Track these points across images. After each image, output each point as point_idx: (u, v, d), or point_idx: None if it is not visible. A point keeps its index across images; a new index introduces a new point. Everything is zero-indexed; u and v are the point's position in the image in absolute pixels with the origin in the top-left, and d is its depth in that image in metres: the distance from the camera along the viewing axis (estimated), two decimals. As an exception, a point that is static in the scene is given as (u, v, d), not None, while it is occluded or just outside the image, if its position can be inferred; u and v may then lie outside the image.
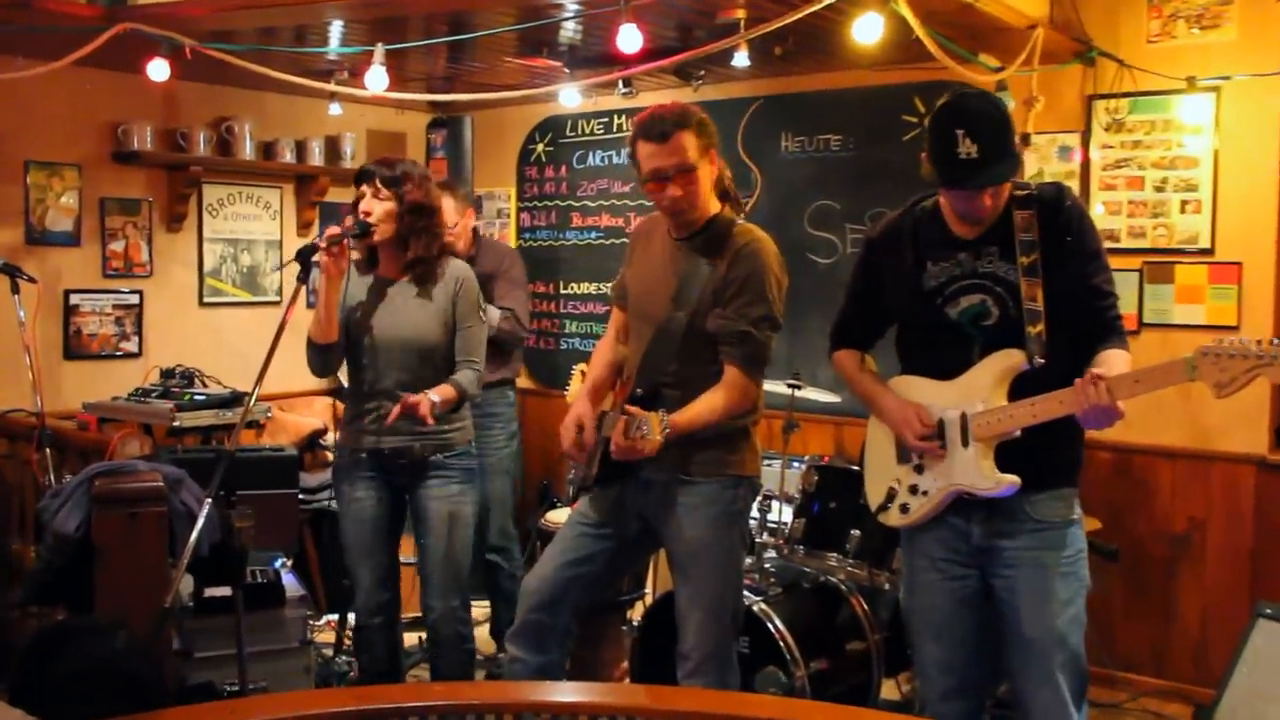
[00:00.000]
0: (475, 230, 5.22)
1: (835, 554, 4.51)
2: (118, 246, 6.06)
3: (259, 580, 4.40)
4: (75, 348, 5.91)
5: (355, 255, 4.01)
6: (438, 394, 3.79)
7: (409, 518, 4.11)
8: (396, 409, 3.71)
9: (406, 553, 4.29)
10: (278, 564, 4.60)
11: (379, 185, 3.89)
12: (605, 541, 3.48)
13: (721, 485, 3.37)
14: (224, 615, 4.04)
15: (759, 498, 4.39)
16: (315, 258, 3.73)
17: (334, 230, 3.82)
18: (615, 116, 6.77)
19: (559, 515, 5.04)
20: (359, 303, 3.97)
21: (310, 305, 6.60)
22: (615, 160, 6.80)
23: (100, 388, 5.76)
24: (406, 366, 3.91)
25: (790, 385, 4.96)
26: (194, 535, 3.22)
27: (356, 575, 4.08)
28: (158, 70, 4.89)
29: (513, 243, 7.20)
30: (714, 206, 3.40)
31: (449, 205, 4.94)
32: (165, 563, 3.57)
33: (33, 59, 4.93)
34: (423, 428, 3.87)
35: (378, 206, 3.88)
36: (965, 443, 2.98)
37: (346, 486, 4.06)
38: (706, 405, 3.25)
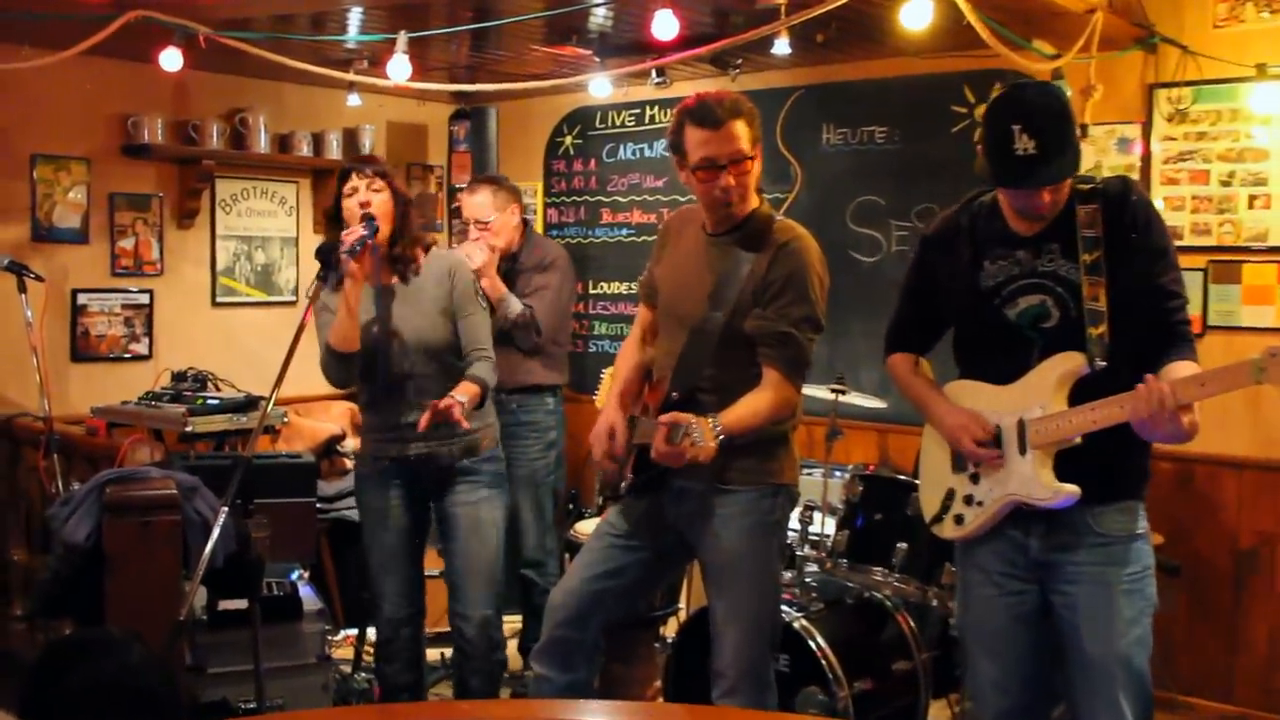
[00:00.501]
0: (527, 223, 5.23)
1: (881, 568, 4.49)
2: (127, 244, 6.11)
3: (275, 593, 4.42)
4: (83, 349, 5.96)
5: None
6: (463, 394, 3.79)
7: (433, 528, 4.14)
8: (427, 416, 3.69)
9: (430, 566, 4.31)
10: (294, 576, 4.62)
11: (373, 176, 3.91)
12: (635, 553, 3.48)
13: (759, 494, 3.37)
14: (239, 629, 4.06)
15: (799, 508, 4.40)
16: (340, 261, 3.75)
17: (354, 233, 3.80)
18: (648, 108, 6.78)
19: (588, 526, 5.04)
20: (366, 316, 3.95)
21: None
22: (647, 154, 6.81)
23: (109, 391, 5.80)
24: (419, 368, 3.94)
25: (833, 390, 4.96)
26: (210, 545, 3.24)
27: (381, 588, 4.10)
28: (170, 60, 4.92)
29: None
30: (754, 201, 3.40)
31: (485, 200, 4.95)
32: (179, 574, 3.60)
33: (40, 48, 4.96)
34: (449, 432, 3.89)
35: (376, 198, 3.90)
36: (1022, 450, 2.97)
37: (371, 496, 4.09)
38: (750, 408, 3.23)
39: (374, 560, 4.11)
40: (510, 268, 5.02)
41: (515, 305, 4.88)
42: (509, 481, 4.31)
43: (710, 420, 3.06)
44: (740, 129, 3.26)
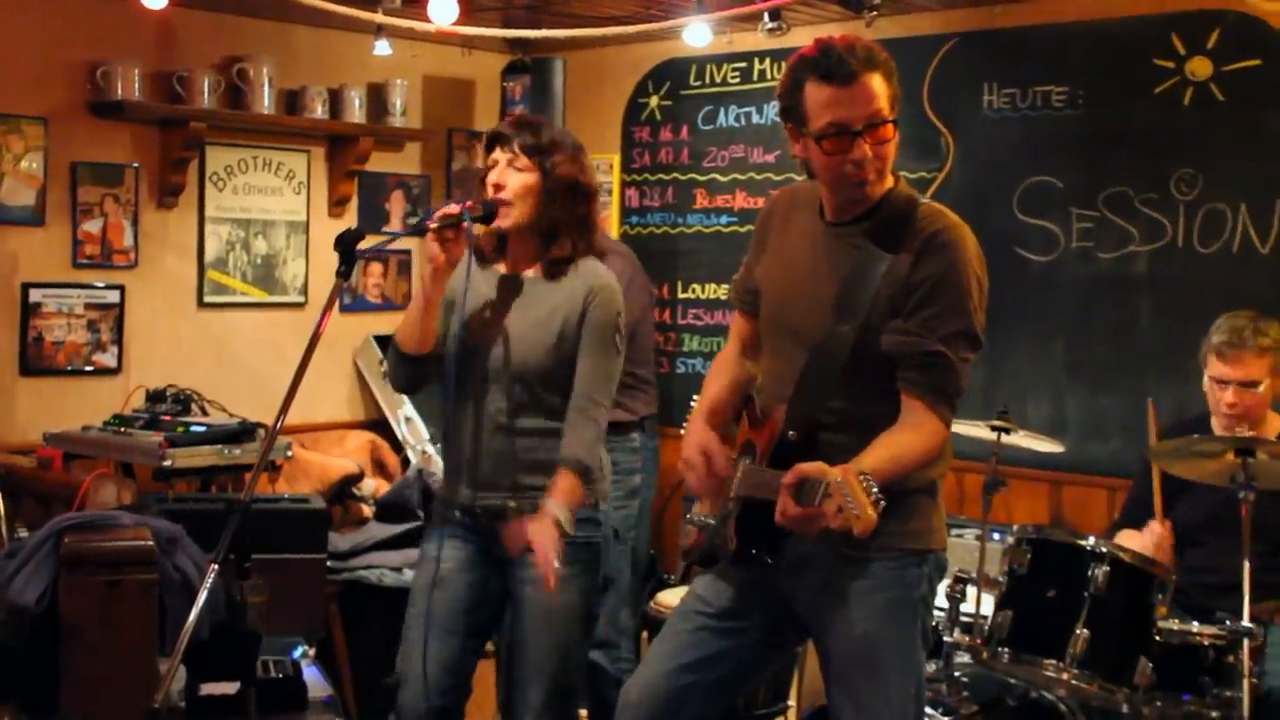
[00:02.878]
0: None
1: (1053, 660, 4.43)
2: (93, 227, 6.19)
3: (274, 675, 4.44)
4: (35, 360, 6.03)
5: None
6: (560, 499, 3.77)
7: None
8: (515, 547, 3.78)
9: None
10: (298, 653, 4.65)
11: (517, 151, 3.90)
12: (733, 637, 3.47)
13: (899, 563, 3.34)
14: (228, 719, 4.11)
15: (946, 580, 4.36)
16: (426, 239, 3.74)
17: (450, 209, 3.78)
18: (757, 61, 6.79)
19: (670, 597, 5.03)
20: (472, 306, 3.94)
21: (346, 309, 6.69)
22: (755, 120, 6.81)
23: (67, 414, 5.87)
24: (508, 394, 3.90)
25: (994, 428, 4.92)
26: (194, 613, 3.26)
27: (406, 664, 3.96)
28: (152, -6, 4.99)
29: (614, 230, 7.25)
30: (890, 180, 3.37)
31: None
32: (153, 648, 3.63)
33: (-11, -21, 5.06)
34: (528, 478, 3.88)
35: (514, 179, 3.89)
36: None
37: (429, 544, 4.03)
38: (891, 451, 3.18)
39: (408, 624, 4.01)
40: None
41: None
42: None
43: (861, 478, 2.91)
44: (878, 84, 3.23)
